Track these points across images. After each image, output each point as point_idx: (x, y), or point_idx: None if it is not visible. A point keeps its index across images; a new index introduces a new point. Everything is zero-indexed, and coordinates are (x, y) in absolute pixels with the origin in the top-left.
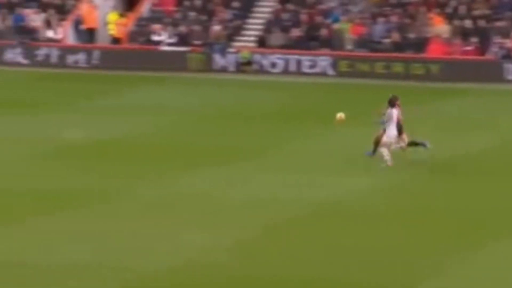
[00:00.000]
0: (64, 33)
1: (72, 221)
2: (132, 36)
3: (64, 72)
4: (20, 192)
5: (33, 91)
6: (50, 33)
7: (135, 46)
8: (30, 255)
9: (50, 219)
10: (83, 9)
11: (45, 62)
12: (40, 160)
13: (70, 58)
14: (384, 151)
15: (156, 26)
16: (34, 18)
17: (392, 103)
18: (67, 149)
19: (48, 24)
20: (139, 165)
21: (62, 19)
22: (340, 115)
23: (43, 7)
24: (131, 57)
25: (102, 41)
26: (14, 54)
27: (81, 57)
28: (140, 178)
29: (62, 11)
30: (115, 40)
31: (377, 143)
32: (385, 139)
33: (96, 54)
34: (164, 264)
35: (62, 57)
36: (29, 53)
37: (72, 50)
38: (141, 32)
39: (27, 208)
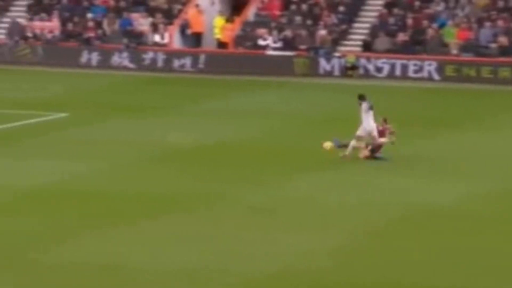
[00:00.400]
0: (170, 37)
1: (178, 224)
2: (238, 41)
3: (170, 76)
4: (128, 196)
5: (140, 95)
6: (156, 37)
7: (241, 50)
8: (136, 258)
9: (156, 222)
10: (190, 13)
11: (152, 66)
12: (147, 163)
13: (176, 62)
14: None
15: (262, 31)
16: (141, 22)
17: (362, 98)
18: (173, 153)
19: (154, 28)
20: (244, 169)
21: (169, 24)
22: (326, 144)
23: (150, 12)
24: (236, 61)
25: (208, 45)
26: (121, 58)
27: (187, 61)
28: (245, 182)
29: (169, 16)
30: (221, 45)
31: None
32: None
33: (202, 58)
34: (267, 269)
35: (168, 61)
36: (136, 57)
37: (178, 54)
38: (246, 37)
39: (134, 211)
